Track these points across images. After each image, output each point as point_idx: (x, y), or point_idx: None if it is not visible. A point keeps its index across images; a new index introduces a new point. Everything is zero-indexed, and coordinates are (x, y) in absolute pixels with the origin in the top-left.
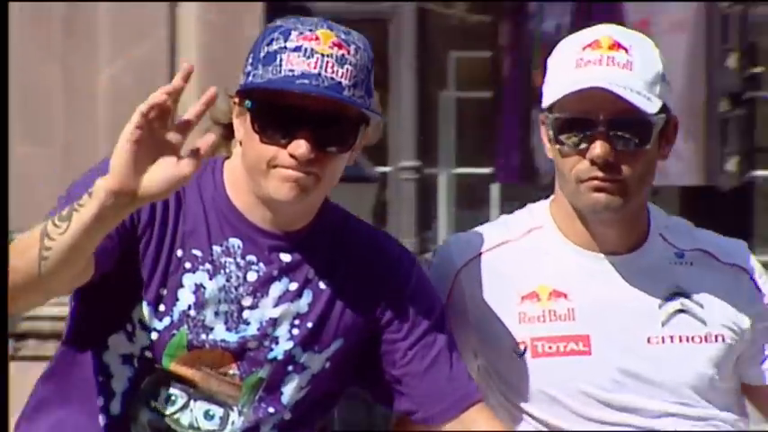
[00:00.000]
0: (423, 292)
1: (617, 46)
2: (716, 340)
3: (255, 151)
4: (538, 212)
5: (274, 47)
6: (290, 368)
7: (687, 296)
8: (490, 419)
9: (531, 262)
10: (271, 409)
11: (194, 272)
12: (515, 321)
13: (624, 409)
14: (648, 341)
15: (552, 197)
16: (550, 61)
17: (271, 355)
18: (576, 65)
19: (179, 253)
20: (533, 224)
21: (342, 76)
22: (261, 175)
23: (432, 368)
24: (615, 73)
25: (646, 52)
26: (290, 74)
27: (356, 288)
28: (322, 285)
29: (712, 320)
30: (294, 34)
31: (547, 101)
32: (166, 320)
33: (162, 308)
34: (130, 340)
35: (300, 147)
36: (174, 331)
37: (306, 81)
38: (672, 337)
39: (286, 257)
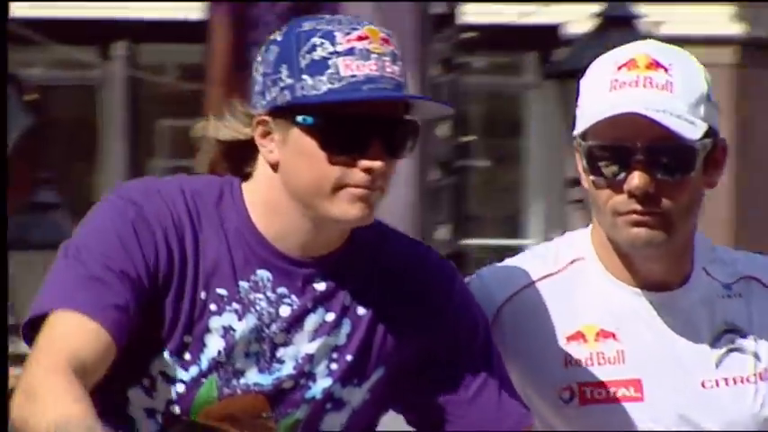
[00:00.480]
0: (467, 310)
1: (655, 65)
2: None
3: (317, 172)
4: (579, 242)
5: (321, 53)
6: (329, 406)
7: (738, 332)
8: None
9: (576, 298)
10: None
11: (221, 314)
12: (561, 364)
13: None
14: (703, 385)
15: (591, 226)
16: (584, 83)
17: (308, 395)
18: (610, 87)
19: (202, 295)
20: (575, 255)
21: (400, 75)
22: (323, 198)
23: (479, 395)
24: (653, 95)
25: (687, 71)
26: (354, 80)
27: (396, 309)
28: (360, 311)
29: (765, 355)
30: (339, 36)
31: (580, 127)
32: (194, 370)
33: (188, 357)
34: (149, 395)
35: (376, 160)
36: (203, 380)
37: (373, 86)
38: (726, 380)
39: (320, 286)
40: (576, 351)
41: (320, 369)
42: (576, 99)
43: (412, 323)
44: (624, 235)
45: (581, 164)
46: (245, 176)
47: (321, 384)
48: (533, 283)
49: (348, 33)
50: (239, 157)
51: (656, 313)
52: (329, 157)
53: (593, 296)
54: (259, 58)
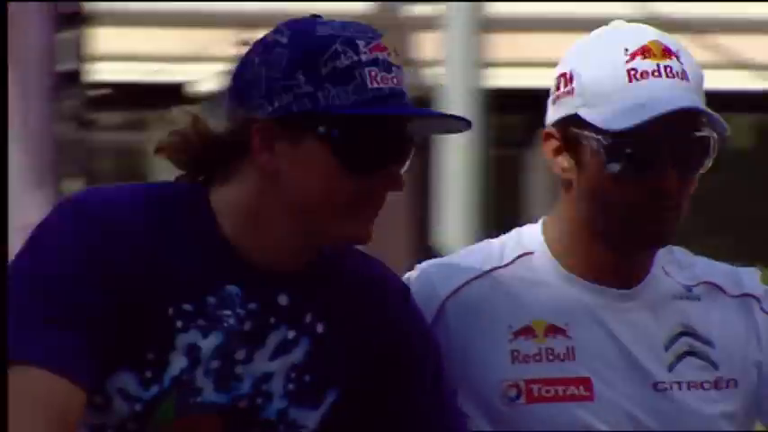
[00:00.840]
0: (420, 324)
1: (668, 52)
2: (727, 386)
3: (330, 187)
4: (528, 237)
5: (345, 62)
6: (282, 428)
7: (695, 336)
8: None
9: (524, 293)
10: None
11: (187, 330)
12: (507, 360)
13: None
14: (655, 387)
15: (544, 221)
16: (581, 69)
17: (263, 415)
18: (628, 77)
19: (170, 311)
20: (523, 250)
21: (407, 88)
22: (331, 214)
23: (430, 420)
24: (678, 87)
25: (689, 58)
26: (380, 93)
27: (354, 327)
28: (320, 329)
29: (724, 363)
30: (362, 44)
31: (600, 120)
32: (155, 389)
33: (149, 374)
34: (101, 412)
35: (396, 180)
36: (163, 399)
37: (397, 100)
38: (680, 384)
39: (283, 301)
40: (524, 347)
41: (277, 389)
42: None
43: (370, 341)
44: (639, 233)
45: (586, 155)
46: (205, 182)
47: (276, 405)
48: (479, 276)
49: (369, 42)
50: (215, 159)
51: (610, 310)
52: (347, 173)
53: (544, 291)
54: (255, 60)
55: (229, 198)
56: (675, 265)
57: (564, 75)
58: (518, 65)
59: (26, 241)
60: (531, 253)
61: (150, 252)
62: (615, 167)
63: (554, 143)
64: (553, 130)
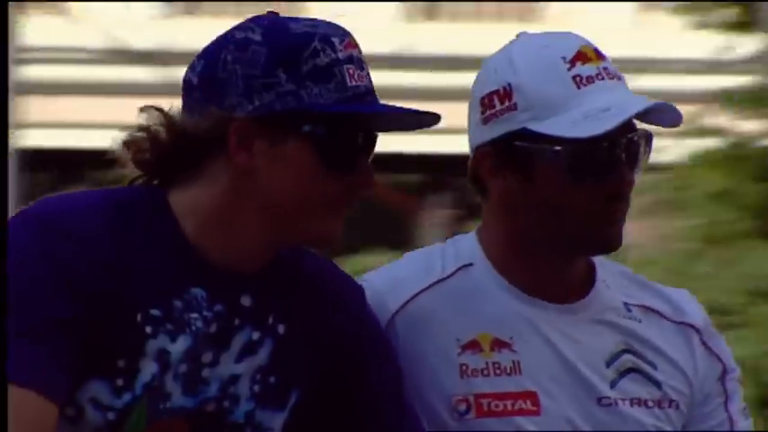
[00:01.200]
0: (377, 324)
1: (600, 54)
2: (669, 406)
3: (309, 185)
4: (465, 248)
5: (325, 59)
6: (249, 431)
7: (638, 354)
8: None
9: (468, 306)
10: None
11: (156, 336)
12: (457, 375)
13: None
14: (599, 402)
15: (479, 232)
16: (522, 83)
17: (230, 419)
18: (575, 84)
19: (138, 317)
20: (463, 261)
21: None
22: (307, 212)
23: (392, 417)
24: (621, 88)
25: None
26: (358, 91)
27: (313, 327)
28: (281, 330)
29: (667, 384)
30: (337, 42)
31: (558, 130)
32: (127, 396)
33: (120, 382)
34: (73, 424)
35: (369, 178)
36: (135, 406)
37: (372, 98)
38: (624, 400)
39: (246, 302)
40: (472, 361)
41: (243, 391)
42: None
43: (328, 340)
44: (597, 238)
45: (539, 167)
46: (162, 184)
47: (243, 408)
48: (425, 289)
49: (342, 40)
50: (184, 157)
51: (554, 324)
52: (328, 171)
53: (486, 304)
54: (228, 57)
55: (195, 198)
56: (616, 282)
57: (497, 92)
58: (49, 126)
59: None
60: (471, 264)
61: (114, 259)
62: (578, 175)
63: (490, 163)
64: (488, 150)
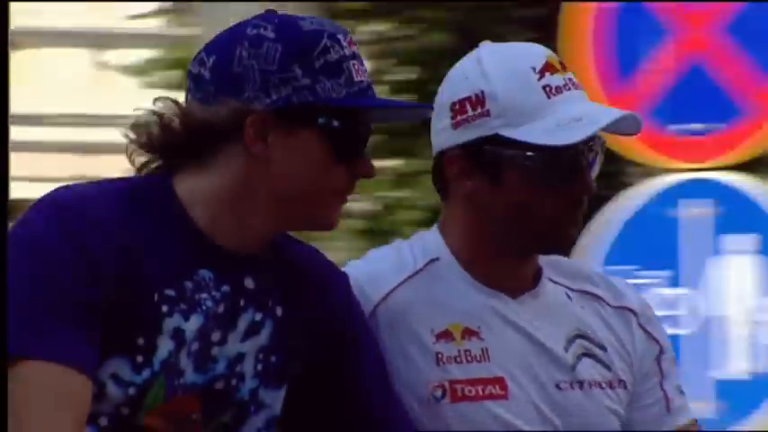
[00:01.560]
0: (362, 309)
1: (563, 66)
2: (619, 386)
3: (319, 176)
4: (430, 244)
5: (335, 56)
6: (253, 408)
7: (589, 339)
8: None
9: (440, 297)
10: None
11: (171, 315)
12: (432, 362)
13: None
14: (558, 387)
15: (442, 229)
16: (495, 91)
17: (237, 396)
18: (546, 94)
19: (155, 297)
20: (431, 255)
21: None
22: (315, 201)
23: (378, 396)
24: (585, 97)
25: None
26: (363, 86)
27: (305, 307)
28: (279, 311)
29: (615, 366)
30: (342, 39)
31: (532, 137)
32: (146, 373)
33: (140, 359)
34: (95, 401)
35: (372, 166)
36: (154, 382)
37: (373, 92)
38: (581, 383)
39: (249, 284)
40: (446, 349)
41: (249, 369)
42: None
43: (318, 324)
44: (559, 238)
45: (508, 172)
46: (167, 170)
47: (249, 385)
48: (402, 283)
49: (345, 37)
50: (196, 145)
51: (515, 315)
52: (338, 162)
53: (456, 296)
54: (243, 53)
55: (206, 185)
56: (559, 273)
57: (469, 99)
58: None
59: (13, 242)
60: (438, 259)
61: (130, 243)
62: (546, 180)
63: (459, 166)
64: (457, 153)
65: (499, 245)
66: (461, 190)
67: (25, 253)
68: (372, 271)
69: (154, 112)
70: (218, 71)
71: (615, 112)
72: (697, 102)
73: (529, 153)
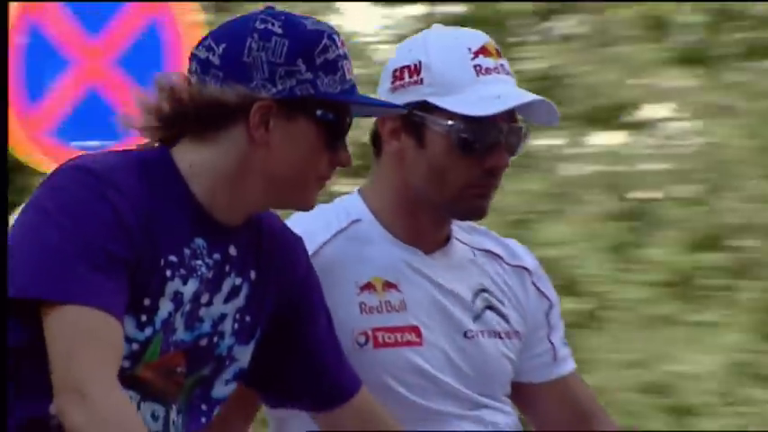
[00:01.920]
0: (314, 269)
1: (499, 53)
2: (515, 336)
3: (308, 162)
4: (352, 205)
5: (332, 55)
6: (227, 363)
7: (491, 293)
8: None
9: (363, 253)
10: (203, 406)
11: (173, 279)
12: (357, 312)
13: (448, 397)
14: (465, 335)
15: (362, 192)
16: (431, 62)
17: (217, 352)
18: (475, 72)
19: (161, 262)
20: (354, 216)
21: None
22: (300, 185)
23: (328, 354)
24: (512, 82)
25: None
26: (351, 83)
27: (272, 271)
28: (252, 275)
29: (512, 318)
30: (336, 38)
31: (455, 106)
32: (148, 330)
33: (144, 318)
34: None
35: (350, 156)
36: (153, 339)
37: (356, 90)
38: (483, 332)
39: (233, 251)
40: (369, 300)
41: (228, 328)
42: None
43: (283, 282)
44: (468, 206)
45: (432, 136)
46: (167, 141)
47: (227, 342)
48: (329, 240)
49: (339, 38)
50: (202, 122)
51: (429, 271)
52: (321, 150)
53: (376, 252)
54: (253, 45)
55: (207, 161)
56: (464, 232)
57: (408, 67)
58: None
59: (44, 204)
60: (359, 220)
61: (147, 210)
62: (464, 148)
63: (390, 126)
64: (390, 116)
65: (418, 204)
66: (389, 148)
67: (61, 211)
68: (304, 230)
69: (165, 85)
70: (228, 59)
71: (531, 96)
72: (94, 122)
73: (450, 122)
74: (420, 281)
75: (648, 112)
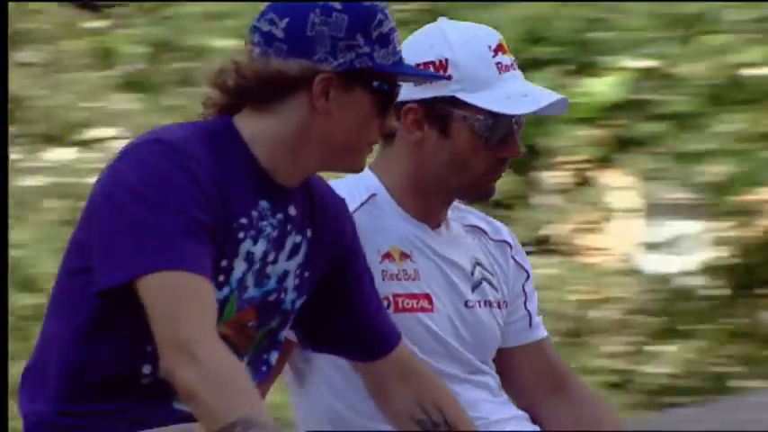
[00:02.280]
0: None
1: (508, 49)
2: (503, 306)
3: (362, 129)
4: (369, 180)
5: (385, 28)
6: (291, 315)
7: (483, 266)
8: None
9: (382, 224)
10: (265, 356)
11: (245, 240)
12: (380, 278)
13: (454, 360)
14: (466, 304)
15: (375, 170)
16: (457, 59)
17: (283, 307)
18: (498, 70)
19: (234, 225)
20: (371, 191)
21: None
22: (353, 150)
23: (375, 308)
24: (523, 77)
25: None
26: (400, 55)
27: (326, 231)
28: (309, 233)
29: (500, 288)
30: (387, 13)
31: (486, 103)
32: (226, 290)
33: (221, 278)
34: None
35: (393, 124)
36: (230, 297)
37: (404, 61)
38: (480, 302)
39: (292, 211)
40: (389, 267)
41: (290, 284)
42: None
43: (334, 240)
44: (485, 190)
45: (457, 128)
46: (230, 110)
47: (290, 297)
48: (356, 210)
49: (388, 12)
50: (265, 92)
51: (434, 244)
52: (374, 118)
53: (392, 225)
54: (316, 20)
55: (269, 128)
56: (455, 210)
57: (434, 63)
58: None
59: (124, 178)
60: (376, 195)
61: (218, 178)
62: (487, 139)
63: (414, 117)
64: (414, 107)
65: (433, 186)
66: (412, 137)
67: (147, 185)
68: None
69: (232, 60)
70: (292, 32)
71: (554, 95)
72: None
73: (479, 116)
74: (429, 253)
75: (98, 132)
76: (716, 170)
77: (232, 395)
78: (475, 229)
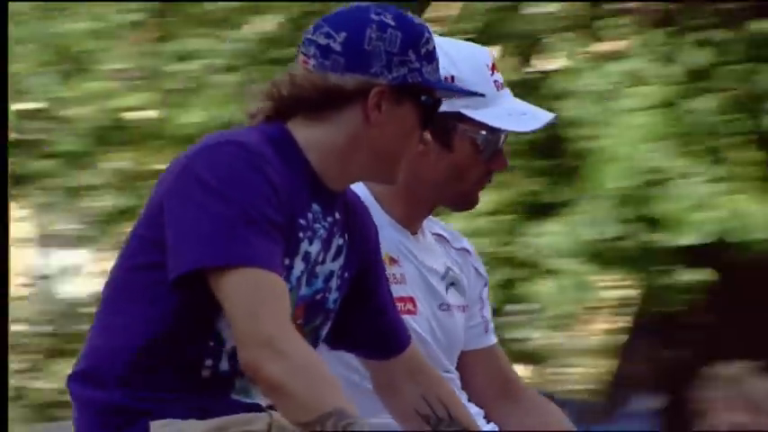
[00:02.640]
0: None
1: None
2: (467, 310)
3: (407, 141)
4: (355, 188)
5: (431, 46)
6: (333, 314)
7: (452, 271)
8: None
9: None
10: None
11: (303, 240)
12: None
13: (432, 361)
14: (440, 307)
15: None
16: (462, 77)
17: (327, 305)
18: (495, 87)
19: (295, 225)
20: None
21: None
22: (396, 160)
23: (390, 309)
24: (511, 93)
25: None
26: (441, 72)
27: (357, 235)
28: (347, 238)
29: (465, 293)
30: (431, 32)
31: (489, 119)
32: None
33: (283, 276)
34: None
35: (427, 135)
36: (290, 295)
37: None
38: (451, 306)
39: (337, 215)
40: None
41: (334, 284)
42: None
43: (363, 243)
44: (472, 199)
45: (455, 140)
46: (284, 118)
47: (333, 296)
48: None
49: (432, 30)
50: (319, 103)
51: (416, 249)
52: (417, 130)
53: (382, 231)
54: (372, 36)
55: (322, 136)
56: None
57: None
58: None
59: (199, 178)
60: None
61: (282, 180)
62: (484, 153)
63: None
64: None
65: (427, 195)
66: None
67: (225, 184)
68: None
69: (289, 74)
70: (350, 46)
71: (548, 114)
72: None
73: (482, 132)
74: (412, 258)
75: None
76: (102, 204)
77: (322, 387)
78: (440, 237)
